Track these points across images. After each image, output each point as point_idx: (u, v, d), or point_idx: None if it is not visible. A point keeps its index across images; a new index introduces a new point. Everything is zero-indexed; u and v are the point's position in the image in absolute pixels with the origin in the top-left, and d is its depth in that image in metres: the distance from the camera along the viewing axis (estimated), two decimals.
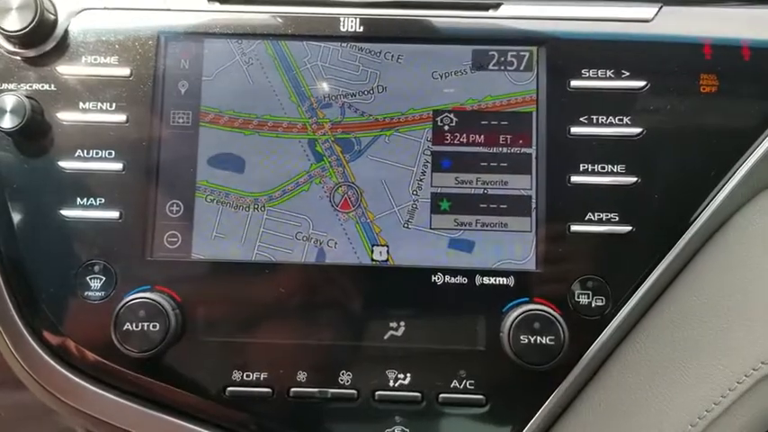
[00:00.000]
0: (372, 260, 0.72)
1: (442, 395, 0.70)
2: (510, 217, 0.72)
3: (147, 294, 0.68)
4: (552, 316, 0.67)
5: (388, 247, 0.72)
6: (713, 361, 0.64)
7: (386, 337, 0.71)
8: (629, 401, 0.67)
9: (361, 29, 0.75)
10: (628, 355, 0.69)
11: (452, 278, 0.71)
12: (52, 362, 0.71)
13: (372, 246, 0.72)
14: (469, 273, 0.71)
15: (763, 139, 0.71)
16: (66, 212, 0.71)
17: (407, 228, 0.72)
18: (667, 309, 0.69)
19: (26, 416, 0.96)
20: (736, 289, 0.67)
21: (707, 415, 0.63)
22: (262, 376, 0.70)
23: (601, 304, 0.70)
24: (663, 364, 0.67)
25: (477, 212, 0.72)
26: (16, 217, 0.72)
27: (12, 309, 0.71)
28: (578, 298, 0.70)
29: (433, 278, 0.71)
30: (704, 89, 0.72)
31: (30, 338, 0.71)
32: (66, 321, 0.71)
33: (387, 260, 0.72)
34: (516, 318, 0.67)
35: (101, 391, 0.70)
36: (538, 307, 0.68)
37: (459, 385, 0.70)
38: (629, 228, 0.70)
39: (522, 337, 0.67)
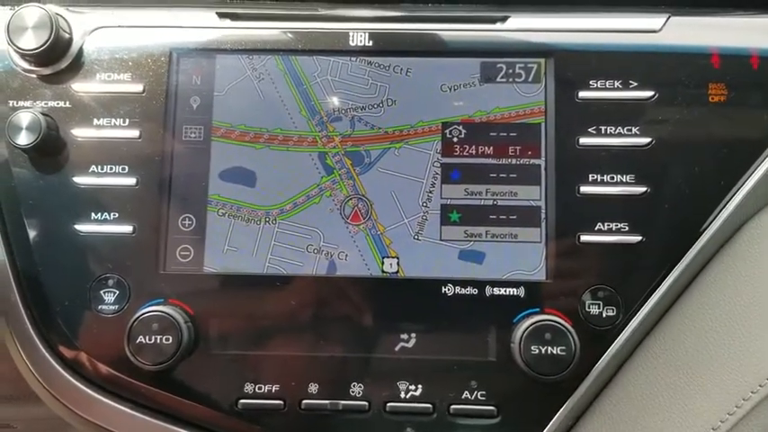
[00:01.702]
0: (383, 272, 0.72)
1: (453, 406, 0.70)
2: (520, 228, 0.72)
3: (160, 308, 0.69)
4: (563, 326, 0.67)
5: (398, 258, 0.73)
6: (726, 371, 0.64)
7: (397, 349, 0.71)
8: (641, 413, 0.67)
9: (370, 43, 0.76)
10: (639, 366, 0.69)
11: (463, 289, 0.71)
12: (66, 375, 0.71)
13: (383, 258, 0.73)
14: (480, 284, 0.71)
15: None
16: (80, 227, 0.72)
17: (418, 239, 0.73)
18: (679, 319, 0.69)
19: (41, 429, 0.96)
20: (747, 300, 0.67)
21: (721, 426, 0.62)
22: (274, 388, 0.70)
23: (612, 314, 0.70)
24: (675, 374, 0.67)
25: (487, 224, 0.73)
26: (32, 232, 0.73)
27: (27, 322, 0.71)
28: (589, 308, 0.70)
29: (444, 289, 0.71)
30: (713, 99, 0.72)
31: (45, 352, 0.71)
32: (80, 335, 0.71)
33: (397, 272, 0.72)
34: (527, 328, 0.67)
35: (114, 404, 0.71)
36: (549, 317, 0.68)
37: (471, 396, 0.70)
38: (640, 237, 0.70)
39: (533, 348, 0.67)
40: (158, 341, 0.68)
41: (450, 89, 0.75)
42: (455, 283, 0.71)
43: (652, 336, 0.70)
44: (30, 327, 0.71)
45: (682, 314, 0.69)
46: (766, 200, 0.71)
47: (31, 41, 0.72)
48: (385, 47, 0.76)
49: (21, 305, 0.72)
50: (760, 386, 0.62)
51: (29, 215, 0.73)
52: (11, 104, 0.75)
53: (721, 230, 0.70)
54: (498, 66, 0.75)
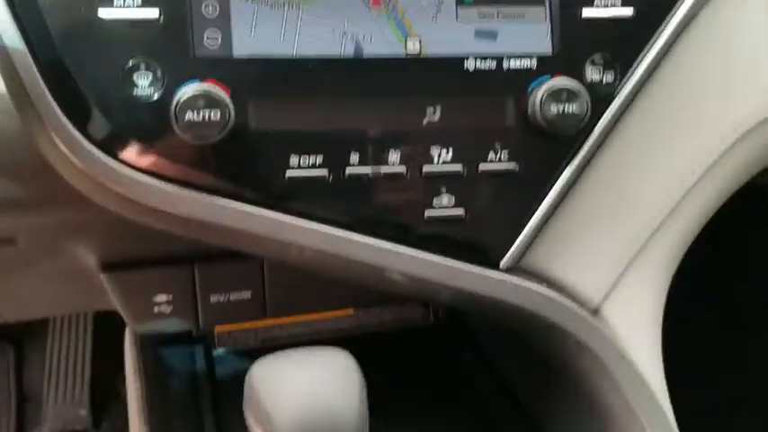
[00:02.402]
0: (407, 53, 0.77)
1: (481, 165, 0.78)
2: (526, 7, 0.79)
3: (201, 85, 0.70)
4: (575, 88, 0.76)
5: (420, 38, 0.77)
6: (712, 114, 0.77)
7: (425, 121, 0.77)
8: (638, 156, 0.80)
9: None
10: (635, 117, 0.81)
11: (482, 63, 0.77)
12: (111, 160, 0.71)
13: (405, 38, 0.77)
14: (497, 57, 0.78)
15: None
16: (103, 13, 0.71)
17: (436, 21, 0.78)
18: (668, 74, 0.80)
19: (43, 249, 0.95)
20: (720, 51, 0.80)
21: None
22: (318, 160, 0.75)
23: (611, 79, 0.79)
24: (665, 119, 0.80)
25: (498, 4, 0.79)
26: (51, 21, 0.70)
27: (58, 112, 0.70)
28: (592, 74, 0.79)
29: (465, 64, 0.77)
30: None
31: (82, 140, 0.70)
32: (117, 119, 0.71)
33: (419, 52, 0.77)
34: (545, 92, 0.76)
35: (160, 184, 0.72)
36: (562, 81, 0.76)
37: (495, 157, 0.78)
38: (631, 10, 0.79)
39: (552, 107, 0.75)
40: (207, 117, 0.69)
41: None
42: (475, 56, 0.77)
43: (645, 90, 0.81)
44: (62, 115, 0.70)
45: (670, 70, 0.80)
46: None
47: None
48: None
49: (48, 95, 0.70)
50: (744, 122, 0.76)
51: (46, 5, 0.70)
52: None
53: None
54: None
